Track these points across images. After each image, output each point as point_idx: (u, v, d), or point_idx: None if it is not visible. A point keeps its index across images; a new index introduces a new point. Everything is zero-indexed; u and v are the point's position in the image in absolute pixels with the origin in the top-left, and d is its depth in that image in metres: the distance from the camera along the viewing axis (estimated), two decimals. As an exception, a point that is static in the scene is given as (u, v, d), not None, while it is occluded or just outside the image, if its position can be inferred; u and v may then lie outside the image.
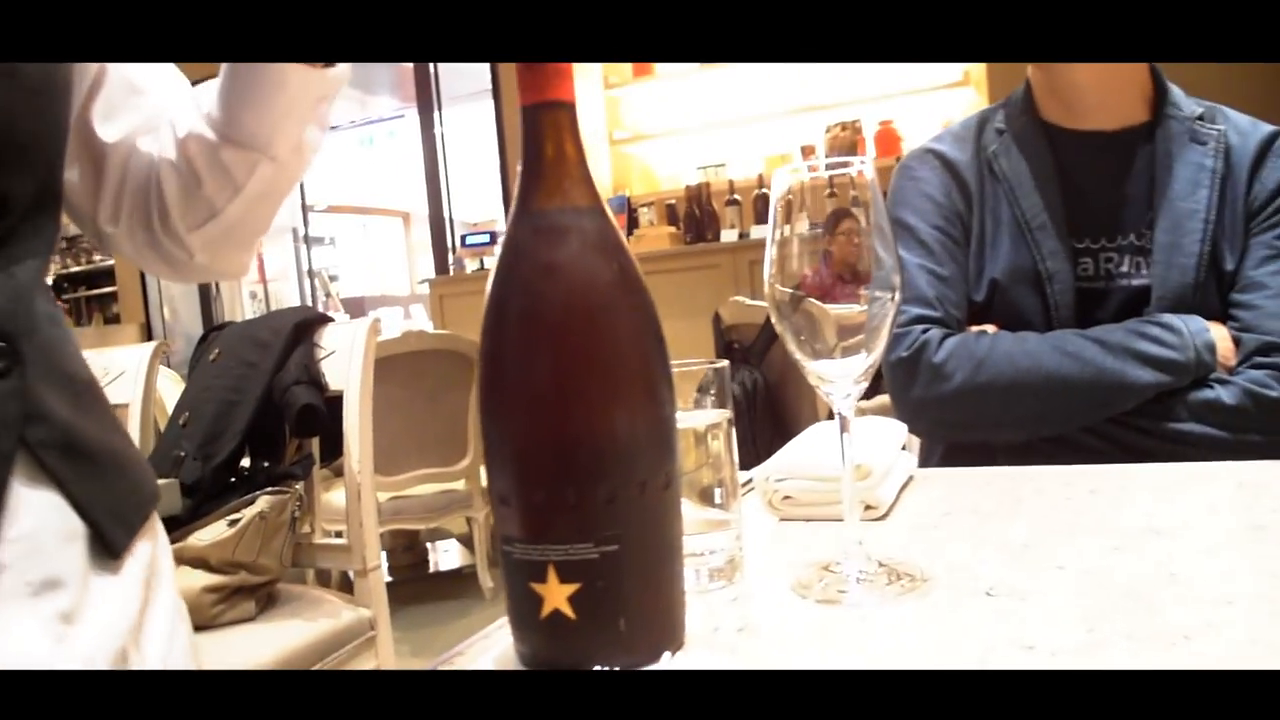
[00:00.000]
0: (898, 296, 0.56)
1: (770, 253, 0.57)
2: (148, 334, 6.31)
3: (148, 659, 0.69)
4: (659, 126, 4.84)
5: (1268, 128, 1.12)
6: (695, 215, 4.31)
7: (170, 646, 0.73)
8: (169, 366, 3.27)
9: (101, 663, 0.64)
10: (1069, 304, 1.10)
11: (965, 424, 1.08)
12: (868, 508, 0.73)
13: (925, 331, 1.09)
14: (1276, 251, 1.05)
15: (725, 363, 0.62)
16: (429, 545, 3.91)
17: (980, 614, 0.52)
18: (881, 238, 0.56)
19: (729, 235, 4.19)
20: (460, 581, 3.51)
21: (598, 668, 0.45)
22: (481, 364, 0.48)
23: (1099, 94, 1.13)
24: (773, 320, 0.59)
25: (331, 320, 1.79)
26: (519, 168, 0.49)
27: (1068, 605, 0.52)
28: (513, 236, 0.48)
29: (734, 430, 0.62)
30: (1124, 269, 1.11)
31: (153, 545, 0.73)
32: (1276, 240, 1.06)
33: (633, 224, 4.50)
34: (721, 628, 0.54)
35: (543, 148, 0.49)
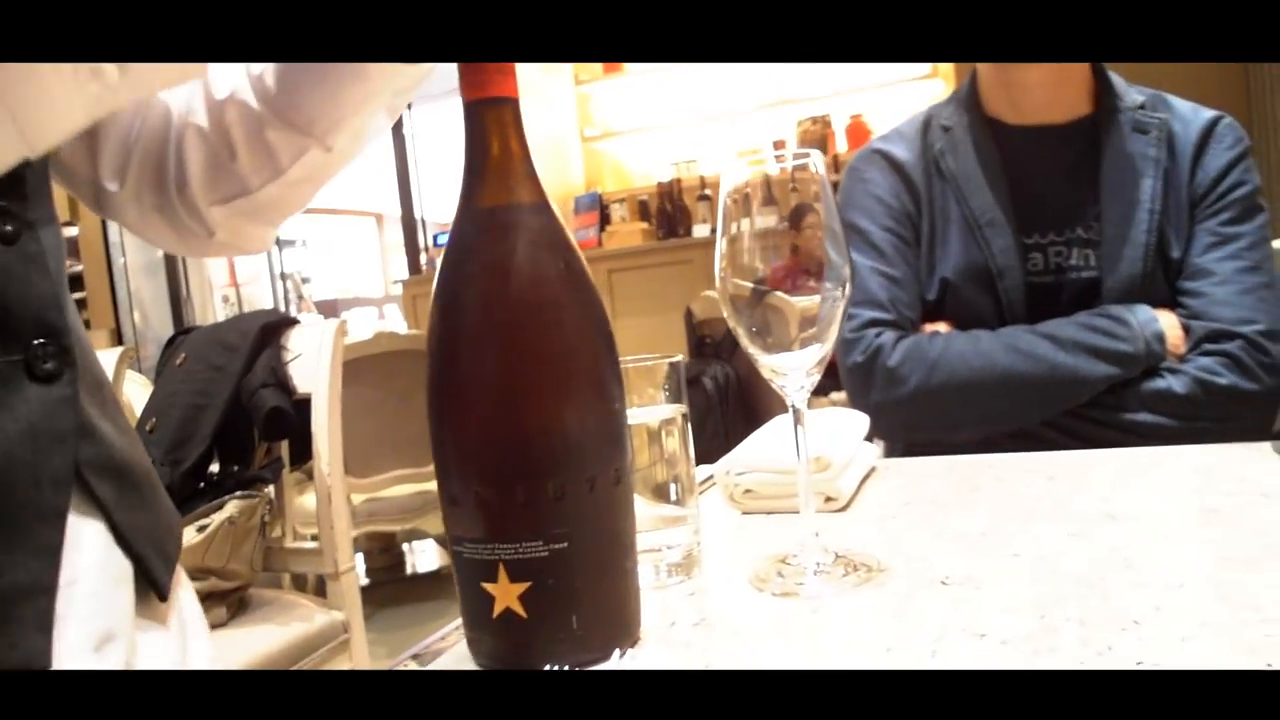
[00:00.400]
0: (848, 289, 0.56)
1: (720, 247, 0.57)
2: (118, 339, 6.24)
3: None
4: (630, 123, 4.84)
5: (1209, 113, 1.13)
6: (667, 211, 4.32)
7: None
8: (139, 372, 3.23)
9: None
10: (1020, 300, 1.11)
11: (922, 424, 1.09)
12: (828, 499, 0.73)
13: (879, 335, 1.10)
14: (1221, 238, 1.07)
15: (680, 357, 0.61)
16: (406, 546, 3.89)
17: (934, 603, 0.53)
18: (831, 231, 0.57)
19: (701, 230, 4.19)
20: (438, 582, 3.49)
21: (551, 666, 0.45)
22: (428, 362, 0.48)
23: (1048, 89, 1.14)
24: (725, 315, 0.58)
25: (298, 322, 1.78)
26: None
27: (1021, 592, 0.53)
28: (456, 234, 0.48)
29: (689, 425, 0.62)
30: (1073, 262, 1.12)
31: (180, 586, 0.64)
32: (1220, 226, 1.07)
33: (605, 220, 4.49)
34: (678, 623, 0.54)
35: (486, 145, 0.48)
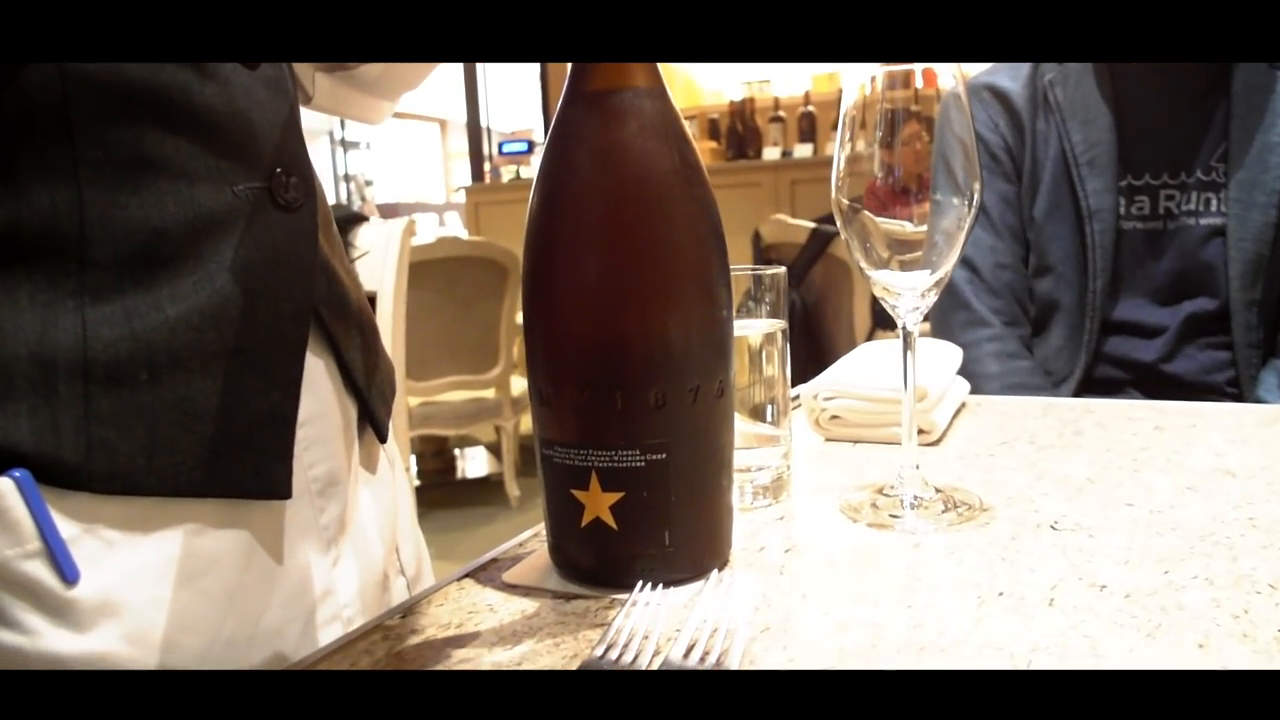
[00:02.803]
0: (976, 199, 0.52)
1: (838, 161, 0.53)
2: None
3: (402, 585, 0.61)
4: (705, 38, 4.70)
5: None
6: (738, 131, 4.21)
7: (420, 564, 0.65)
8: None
9: (372, 588, 0.56)
10: (1109, 246, 1.05)
11: None
12: (920, 431, 0.69)
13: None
14: None
15: (782, 269, 0.58)
16: (457, 452, 3.94)
17: (1045, 548, 0.49)
18: (960, 146, 0.52)
19: (771, 153, 4.09)
20: (487, 489, 3.54)
21: (638, 582, 0.43)
22: (526, 252, 0.45)
23: None
24: (839, 226, 0.54)
25: (367, 219, 1.76)
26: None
27: (1140, 545, 0.49)
28: (563, 119, 0.44)
29: (788, 342, 0.58)
30: (1190, 206, 1.05)
31: (392, 438, 0.64)
32: None
33: (674, 138, 4.40)
34: (768, 548, 0.51)
35: (602, 20, 0.44)
